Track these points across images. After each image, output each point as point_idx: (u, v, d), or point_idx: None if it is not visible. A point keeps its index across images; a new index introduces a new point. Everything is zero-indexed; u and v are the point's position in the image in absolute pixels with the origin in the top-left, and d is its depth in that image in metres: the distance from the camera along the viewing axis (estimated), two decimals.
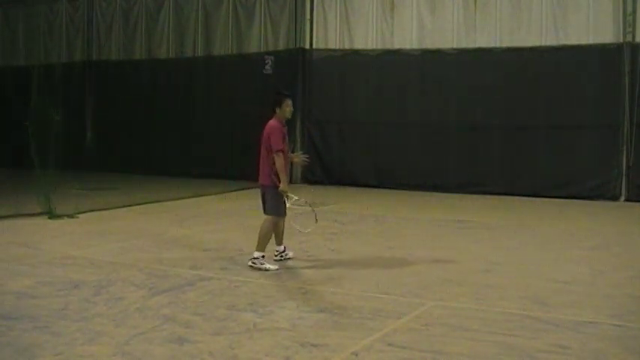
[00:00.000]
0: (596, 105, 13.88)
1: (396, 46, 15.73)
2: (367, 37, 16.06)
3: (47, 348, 4.66)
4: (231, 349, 4.70)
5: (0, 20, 21.66)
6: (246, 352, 4.63)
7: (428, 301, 6.01)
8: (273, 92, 7.66)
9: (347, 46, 16.29)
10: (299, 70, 16.58)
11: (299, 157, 8.20)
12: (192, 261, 7.62)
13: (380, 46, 15.91)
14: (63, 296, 6.02)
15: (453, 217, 11.36)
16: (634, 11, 13.47)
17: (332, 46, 16.45)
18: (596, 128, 13.88)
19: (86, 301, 5.87)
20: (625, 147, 13.64)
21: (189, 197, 13.57)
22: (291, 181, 8.66)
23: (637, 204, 13.21)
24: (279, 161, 7.10)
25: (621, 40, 13.56)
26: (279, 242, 7.63)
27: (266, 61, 16.82)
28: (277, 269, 7.21)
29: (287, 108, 7.36)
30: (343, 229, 10.04)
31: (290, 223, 7.64)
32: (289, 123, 8.03)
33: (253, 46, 17.42)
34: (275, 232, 7.44)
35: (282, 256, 7.63)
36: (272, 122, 7.29)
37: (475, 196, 14.19)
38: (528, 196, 13.96)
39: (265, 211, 7.39)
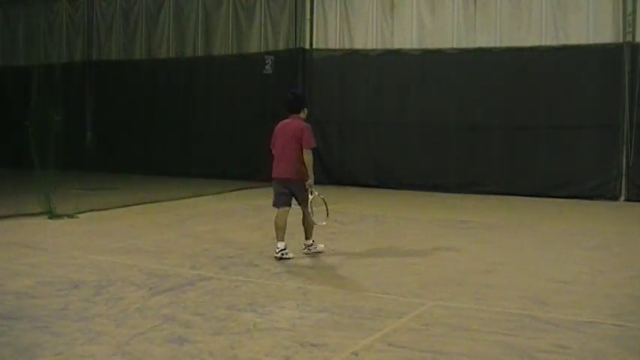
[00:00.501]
0: (596, 105, 13.88)
1: (396, 46, 15.73)
2: (367, 37, 16.06)
3: (47, 348, 4.66)
4: (231, 349, 4.70)
5: (0, 20, 21.67)
6: (246, 352, 4.63)
7: (428, 301, 6.01)
8: (294, 94, 8.20)
9: (347, 46, 16.28)
10: (299, 70, 16.57)
11: None
12: (192, 261, 7.62)
13: (380, 46, 15.90)
14: (63, 296, 6.02)
15: (453, 217, 11.36)
16: (634, 11, 13.47)
17: (332, 46, 16.45)
18: (596, 128, 13.88)
19: (86, 301, 5.87)
20: (625, 147, 13.63)
21: (189, 197, 13.57)
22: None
23: (637, 204, 13.21)
24: (311, 158, 7.63)
25: (621, 40, 13.56)
26: (280, 238, 7.70)
27: (266, 61, 16.82)
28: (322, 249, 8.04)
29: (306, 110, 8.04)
30: (343, 229, 10.04)
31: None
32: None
33: (253, 46, 17.41)
34: (283, 225, 7.67)
35: (282, 254, 7.67)
36: (302, 122, 7.75)
37: (475, 196, 14.19)
38: (528, 196, 13.96)
39: (300, 204, 7.78)
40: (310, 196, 7.69)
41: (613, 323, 5.40)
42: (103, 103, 19.56)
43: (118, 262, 7.53)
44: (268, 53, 16.99)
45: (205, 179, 16.52)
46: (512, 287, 6.57)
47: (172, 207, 12.36)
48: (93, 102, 19.81)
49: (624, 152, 13.65)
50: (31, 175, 11.33)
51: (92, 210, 11.41)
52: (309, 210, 7.77)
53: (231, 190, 14.81)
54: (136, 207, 12.13)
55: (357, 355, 4.61)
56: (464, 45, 14.99)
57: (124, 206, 12.07)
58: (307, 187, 7.67)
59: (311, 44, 16.65)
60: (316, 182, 7.84)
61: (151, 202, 12.68)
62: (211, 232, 9.77)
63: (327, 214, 7.94)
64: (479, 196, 14.17)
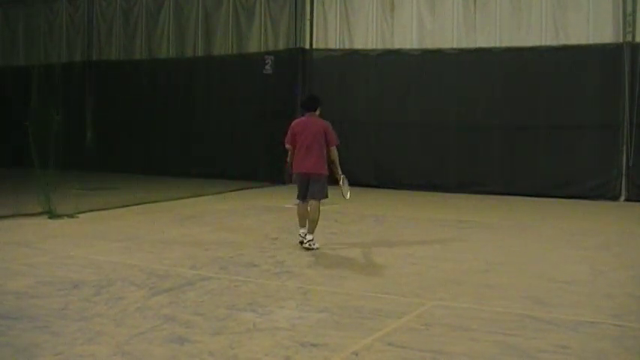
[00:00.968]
0: (596, 105, 13.89)
1: (396, 46, 15.73)
2: (367, 37, 16.06)
3: (47, 348, 4.66)
4: (231, 348, 4.70)
5: (0, 20, 21.67)
6: (246, 352, 4.63)
7: (428, 301, 6.00)
8: (310, 94, 9.10)
9: (347, 46, 16.29)
10: (299, 70, 16.58)
11: None
12: (192, 261, 7.61)
13: (380, 46, 15.91)
14: (63, 296, 6.02)
15: (453, 216, 11.36)
16: (634, 11, 13.47)
17: (332, 46, 16.45)
18: (596, 128, 13.89)
19: (86, 301, 5.87)
20: (625, 147, 13.64)
21: (188, 197, 13.56)
22: (290, 181, 8.84)
23: (637, 204, 13.22)
24: (337, 153, 8.34)
25: (621, 40, 13.57)
26: (304, 224, 8.27)
27: (266, 61, 16.82)
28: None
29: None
30: (343, 229, 10.04)
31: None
32: (289, 123, 8.76)
33: (253, 46, 17.42)
34: (304, 214, 8.27)
35: (310, 245, 8.19)
36: (324, 121, 8.39)
37: (475, 196, 14.19)
38: (528, 196, 13.97)
39: (314, 197, 8.24)
40: (341, 183, 8.50)
41: (613, 323, 5.40)
42: (103, 103, 19.55)
43: (118, 262, 7.53)
44: (268, 53, 16.99)
45: (205, 179, 16.51)
46: (512, 287, 6.56)
47: (172, 207, 12.35)
48: (93, 102, 19.80)
49: (624, 152, 13.66)
50: (31, 175, 11.33)
51: (92, 210, 11.41)
52: (338, 193, 8.37)
53: (231, 190, 14.80)
54: (136, 207, 12.13)
55: (357, 354, 4.61)
56: (464, 45, 15.00)
57: (124, 206, 12.07)
58: (339, 178, 8.45)
59: (311, 44, 16.65)
60: None
61: (151, 202, 12.68)
62: (211, 232, 9.77)
63: (344, 195, 8.59)
64: (479, 196, 14.17)
